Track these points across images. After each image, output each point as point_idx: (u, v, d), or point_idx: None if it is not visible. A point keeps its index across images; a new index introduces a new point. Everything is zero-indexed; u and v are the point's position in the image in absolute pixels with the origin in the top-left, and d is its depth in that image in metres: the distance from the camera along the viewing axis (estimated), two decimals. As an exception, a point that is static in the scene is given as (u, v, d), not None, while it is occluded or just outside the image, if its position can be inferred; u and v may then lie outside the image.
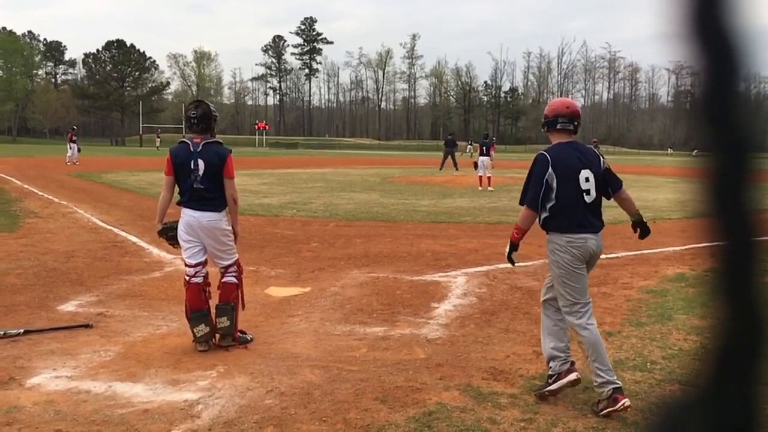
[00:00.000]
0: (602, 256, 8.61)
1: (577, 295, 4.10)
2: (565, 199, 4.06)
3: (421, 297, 6.60)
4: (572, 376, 4.05)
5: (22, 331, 5.22)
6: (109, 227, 11.11)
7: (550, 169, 4.06)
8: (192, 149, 5.00)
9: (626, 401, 3.84)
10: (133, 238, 9.99)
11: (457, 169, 29.80)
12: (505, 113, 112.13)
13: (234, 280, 5.17)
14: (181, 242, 5.10)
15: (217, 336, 5.06)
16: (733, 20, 0.62)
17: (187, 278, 5.06)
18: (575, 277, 4.10)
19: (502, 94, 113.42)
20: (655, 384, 4.29)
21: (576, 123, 4.25)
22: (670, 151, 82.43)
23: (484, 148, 20.29)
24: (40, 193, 16.68)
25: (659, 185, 23.64)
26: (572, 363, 4.18)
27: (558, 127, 4.21)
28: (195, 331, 4.95)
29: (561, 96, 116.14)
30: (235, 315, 5.09)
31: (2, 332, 5.14)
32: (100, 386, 4.18)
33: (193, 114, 5.05)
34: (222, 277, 5.18)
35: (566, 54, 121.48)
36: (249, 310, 5.95)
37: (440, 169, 30.89)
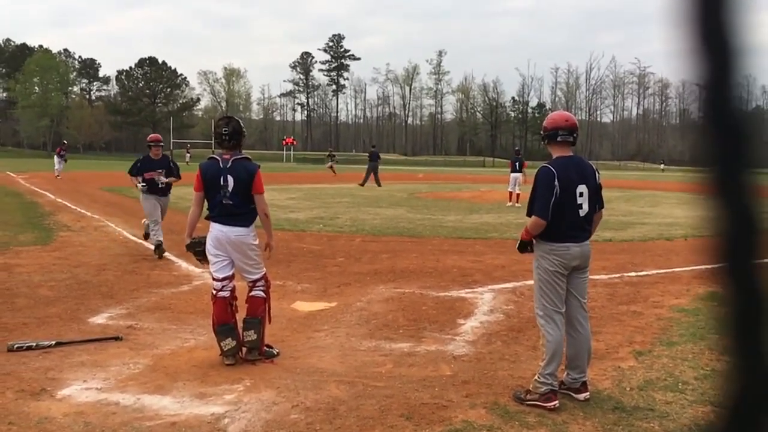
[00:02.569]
0: (632, 274, 8.55)
1: (552, 302, 4.28)
2: (560, 211, 4.20)
3: (448, 313, 6.57)
4: (553, 405, 4.12)
5: (54, 342, 5.30)
6: (139, 241, 11.27)
7: (556, 182, 4.20)
8: (221, 165, 5.07)
9: (556, 403, 4.08)
10: (163, 252, 10.11)
11: (379, 185, 28.33)
12: (533, 129, 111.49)
13: (262, 294, 5.21)
14: (209, 256, 5.15)
15: (244, 349, 5.07)
16: (735, 35, 0.62)
17: (215, 292, 5.10)
18: (551, 286, 4.26)
19: (530, 110, 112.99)
20: (687, 405, 4.20)
21: (575, 135, 4.38)
22: (662, 166, 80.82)
23: (516, 164, 20.19)
24: (73, 207, 17.01)
25: (689, 201, 23.25)
26: (583, 383, 4.31)
27: (558, 139, 4.33)
28: (222, 344, 4.97)
29: (588, 111, 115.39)
30: (262, 329, 5.11)
31: (35, 344, 5.23)
32: (128, 398, 4.23)
33: (225, 131, 5.11)
34: (250, 291, 5.22)
35: (594, 69, 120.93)
36: (275, 325, 5.98)
37: (361, 185, 28.64)
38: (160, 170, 9.77)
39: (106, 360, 4.99)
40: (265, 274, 5.28)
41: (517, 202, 19.45)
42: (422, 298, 7.22)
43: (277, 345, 5.37)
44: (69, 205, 17.67)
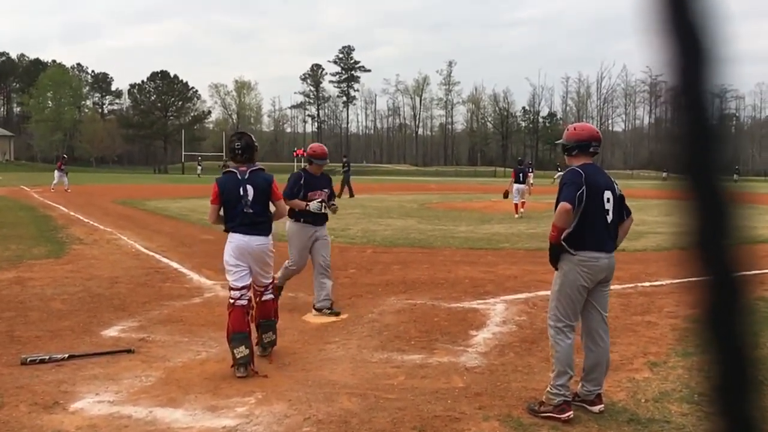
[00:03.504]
0: (646, 284, 8.47)
1: (566, 314, 4.22)
2: (589, 216, 4.14)
3: (460, 324, 6.53)
4: (567, 416, 4.06)
5: (66, 355, 5.32)
6: (151, 253, 11.33)
7: (583, 181, 4.14)
8: (240, 177, 5.27)
9: (570, 413, 4.03)
10: (175, 264, 10.16)
11: (352, 196, 27.57)
12: (544, 138, 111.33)
13: (272, 296, 5.53)
14: (227, 266, 5.26)
15: (262, 348, 5.40)
16: (708, 42, 0.63)
17: (232, 301, 5.17)
18: (570, 299, 4.20)
19: (541, 120, 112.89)
20: (703, 417, 4.13)
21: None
22: (664, 174, 79.79)
23: (520, 175, 19.39)
24: (86, 220, 17.14)
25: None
26: (598, 395, 4.25)
27: (591, 150, 4.34)
28: (236, 352, 4.98)
29: (599, 120, 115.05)
30: (276, 327, 5.49)
31: (48, 357, 5.25)
32: (141, 411, 4.23)
33: (238, 145, 5.34)
34: (261, 296, 5.43)
35: (606, 78, 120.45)
36: (287, 336, 5.97)
37: (338, 196, 27.19)
38: (324, 190, 7.03)
39: (119, 373, 5.00)
40: (273, 277, 5.63)
41: (522, 207, 19.03)
42: (434, 309, 7.19)
43: (289, 357, 5.38)
44: (81, 218, 17.80)
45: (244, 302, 5.17)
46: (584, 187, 4.12)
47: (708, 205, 0.65)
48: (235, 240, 5.21)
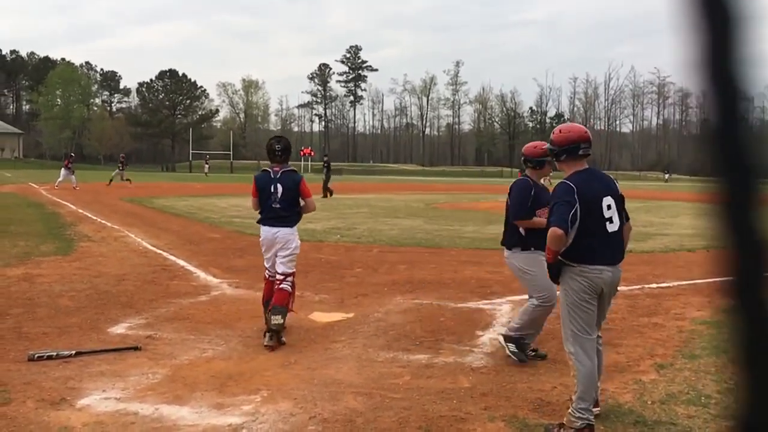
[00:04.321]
0: (653, 285, 8.44)
1: (582, 327, 3.96)
2: (587, 229, 3.89)
3: (466, 324, 6.53)
4: None
5: (73, 352, 5.35)
6: (158, 251, 11.37)
7: (575, 197, 3.88)
8: (272, 176, 6.01)
9: None
10: (182, 262, 10.19)
11: (331, 195, 26.43)
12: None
13: (289, 288, 6.01)
14: (262, 250, 6.15)
15: (265, 336, 5.70)
16: (740, 51, 0.62)
17: (267, 276, 6.18)
18: (581, 308, 3.94)
19: (548, 120, 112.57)
20: (710, 419, 4.12)
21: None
22: (666, 176, 78.93)
23: None
24: (94, 218, 17.20)
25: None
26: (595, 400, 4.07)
27: (580, 153, 4.04)
28: (272, 318, 5.69)
29: (607, 121, 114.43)
30: (286, 317, 5.81)
31: (55, 353, 5.28)
32: (147, 408, 4.24)
33: (278, 147, 6.08)
34: (280, 283, 5.98)
35: (613, 79, 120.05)
36: (293, 335, 5.99)
37: (324, 196, 25.73)
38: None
39: (125, 370, 5.02)
40: (294, 272, 6.11)
41: None
42: (440, 309, 7.19)
43: (295, 356, 5.39)
44: (90, 215, 17.87)
45: (274, 279, 6.05)
46: (577, 205, 3.86)
47: (744, 210, 0.64)
48: (263, 232, 6.07)
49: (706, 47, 0.63)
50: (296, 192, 5.99)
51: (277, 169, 6.03)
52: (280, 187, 5.94)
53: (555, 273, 4.05)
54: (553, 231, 3.85)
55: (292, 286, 6.06)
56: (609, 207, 3.96)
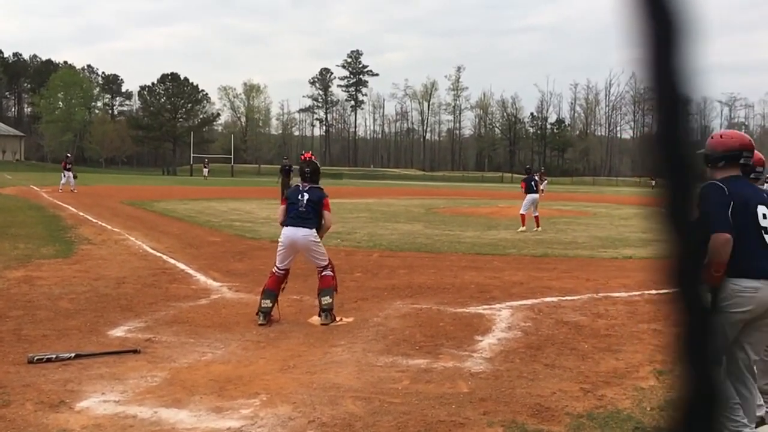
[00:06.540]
0: (653, 291, 8.43)
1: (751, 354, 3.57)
2: (740, 238, 3.47)
3: (465, 329, 6.53)
4: None
5: (73, 355, 5.35)
6: (158, 254, 11.37)
7: (728, 198, 3.54)
8: (301, 189, 7.03)
9: None
10: (182, 266, 10.20)
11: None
12: (552, 145, 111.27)
13: (331, 273, 6.84)
14: (277, 249, 6.91)
15: (321, 315, 6.62)
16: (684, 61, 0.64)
17: (274, 270, 6.80)
18: (727, 337, 3.48)
19: (549, 126, 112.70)
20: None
21: None
22: (653, 182, 78.72)
23: (532, 183, 17.14)
24: (94, 221, 17.21)
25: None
26: None
27: (741, 161, 3.72)
28: (262, 302, 6.55)
29: (607, 127, 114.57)
30: (334, 296, 6.71)
31: (54, 356, 5.28)
32: (146, 411, 4.24)
33: (308, 170, 7.17)
34: (322, 272, 6.81)
35: (614, 85, 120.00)
36: (292, 339, 5.99)
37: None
38: None
39: (125, 373, 5.02)
40: (329, 260, 6.93)
41: (537, 225, 16.73)
42: (439, 314, 7.19)
43: (293, 360, 5.39)
44: (90, 218, 17.88)
45: (281, 273, 6.77)
46: (730, 202, 3.51)
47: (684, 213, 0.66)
48: (286, 231, 6.82)
49: (650, 50, 0.65)
50: (320, 205, 6.89)
51: (305, 185, 7.06)
52: (306, 196, 6.89)
53: (716, 295, 3.52)
54: (718, 238, 3.44)
55: (332, 270, 6.87)
56: (765, 216, 3.63)
